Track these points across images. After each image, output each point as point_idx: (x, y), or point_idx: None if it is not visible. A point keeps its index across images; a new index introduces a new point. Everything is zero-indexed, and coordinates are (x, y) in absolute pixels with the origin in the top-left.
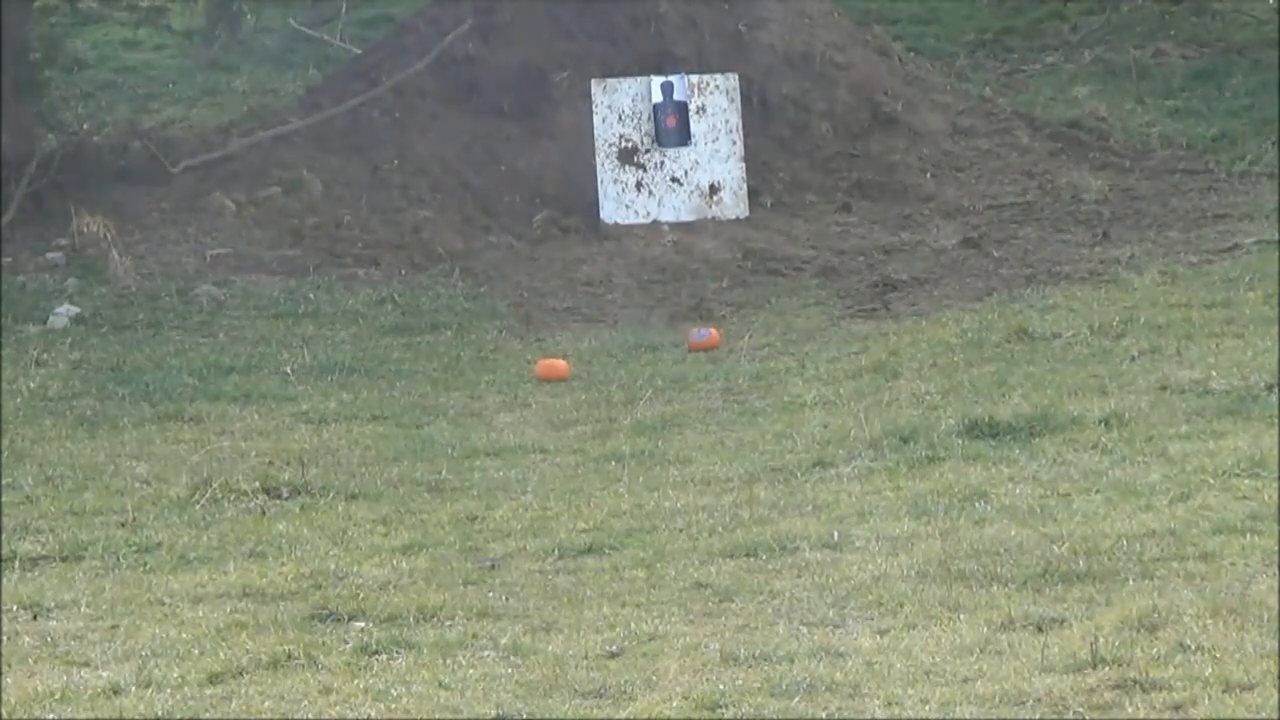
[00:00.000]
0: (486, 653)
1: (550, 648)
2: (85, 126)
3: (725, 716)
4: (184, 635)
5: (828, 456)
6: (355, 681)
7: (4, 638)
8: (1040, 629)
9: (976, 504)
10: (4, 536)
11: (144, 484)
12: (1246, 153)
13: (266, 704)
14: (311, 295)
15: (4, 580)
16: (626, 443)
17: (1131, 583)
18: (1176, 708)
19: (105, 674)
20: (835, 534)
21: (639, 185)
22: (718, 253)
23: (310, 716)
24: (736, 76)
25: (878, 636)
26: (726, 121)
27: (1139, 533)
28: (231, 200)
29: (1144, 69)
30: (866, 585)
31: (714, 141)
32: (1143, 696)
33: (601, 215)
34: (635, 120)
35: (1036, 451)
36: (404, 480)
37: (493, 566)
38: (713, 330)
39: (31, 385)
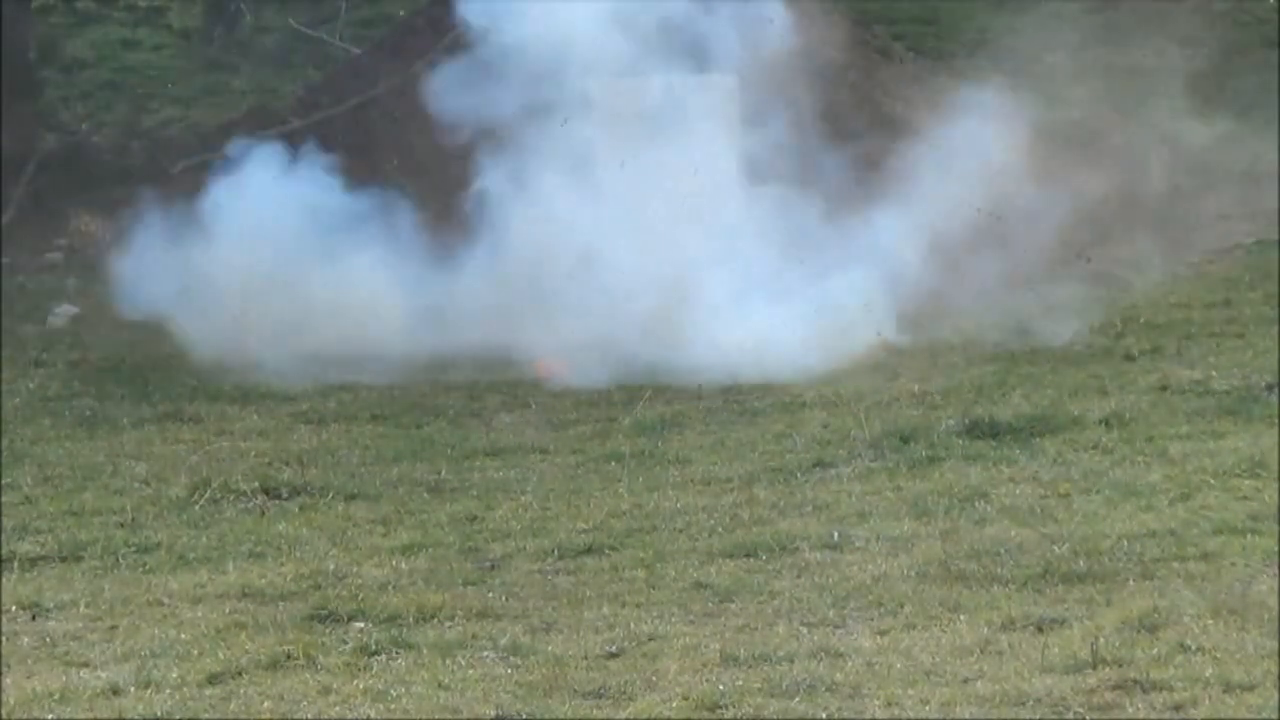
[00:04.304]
0: (486, 653)
1: (550, 648)
2: (85, 126)
3: (725, 717)
4: (184, 635)
5: (828, 456)
6: (355, 682)
7: (4, 638)
8: (1040, 629)
9: (976, 504)
10: (4, 536)
11: (144, 484)
12: (1246, 153)
13: (266, 704)
14: None
15: (4, 580)
16: (626, 443)
17: (1131, 583)
18: (1176, 708)
19: (105, 674)
20: (835, 534)
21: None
22: None
23: (310, 716)
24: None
25: (878, 637)
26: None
27: (1139, 533)
28: None
29: (1144, 69)
30: (866, 585)
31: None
32: (1143, 697)
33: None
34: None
35: (1036, 451)
36: (404, 480)
37: (493, 566)
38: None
39: (31, 385)
